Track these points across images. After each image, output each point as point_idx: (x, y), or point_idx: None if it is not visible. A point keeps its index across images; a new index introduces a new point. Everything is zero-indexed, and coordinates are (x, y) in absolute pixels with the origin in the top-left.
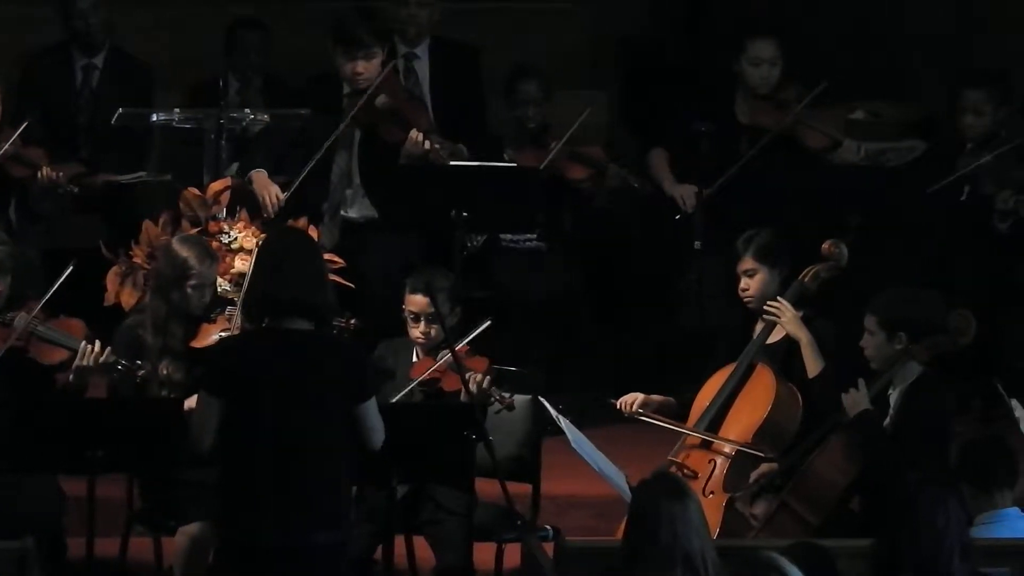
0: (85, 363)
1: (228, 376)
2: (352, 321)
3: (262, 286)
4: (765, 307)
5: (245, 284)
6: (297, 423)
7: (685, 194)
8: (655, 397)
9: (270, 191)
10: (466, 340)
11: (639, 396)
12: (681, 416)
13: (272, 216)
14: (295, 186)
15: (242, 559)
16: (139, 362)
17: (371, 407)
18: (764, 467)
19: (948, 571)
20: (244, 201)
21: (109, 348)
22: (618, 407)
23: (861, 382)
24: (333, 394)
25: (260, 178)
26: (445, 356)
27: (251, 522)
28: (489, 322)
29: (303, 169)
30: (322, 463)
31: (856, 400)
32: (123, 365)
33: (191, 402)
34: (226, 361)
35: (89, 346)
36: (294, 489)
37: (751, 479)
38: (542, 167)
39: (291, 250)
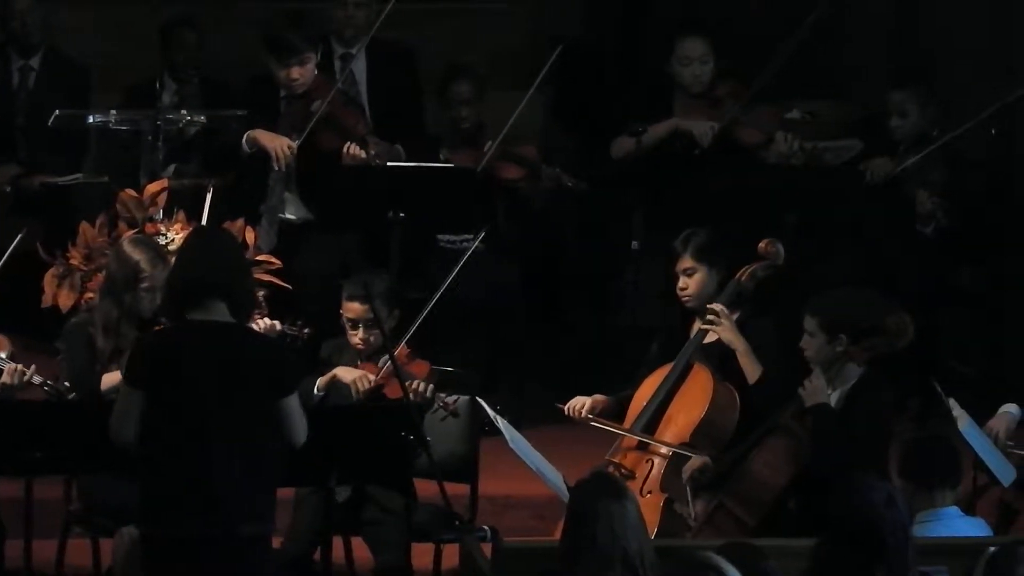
0: (9, 382)
1: (149, 369)
2: (305, 330)
3: (182, 274)
4: (707, 317)
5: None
6: (219, 416)
7: (701, 130)
8: (600, 398)
9: (279, 143)
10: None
11: (587, 400)
12: (619, 415)
13: (283, 169)
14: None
15: (167, 552)
16: (67, 384)
17: (293, 402)
18: (696, 461)
19: (908, 571)
20: (181, 202)
21: (34, 367)
22: (566, 412)
23: (818, 369)
24: (254, 387)
25: (264, 134)
26: (386, 362)
27: (174, 515)
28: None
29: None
30: (245, 455)
31: (815, 390)
32: (49, 386)
33: (110, 379)
34: (147, 354)
35: (14, 365)
36: (217, 481)
37: (684, 476)
38: (479, 168)
39: (212, 241)
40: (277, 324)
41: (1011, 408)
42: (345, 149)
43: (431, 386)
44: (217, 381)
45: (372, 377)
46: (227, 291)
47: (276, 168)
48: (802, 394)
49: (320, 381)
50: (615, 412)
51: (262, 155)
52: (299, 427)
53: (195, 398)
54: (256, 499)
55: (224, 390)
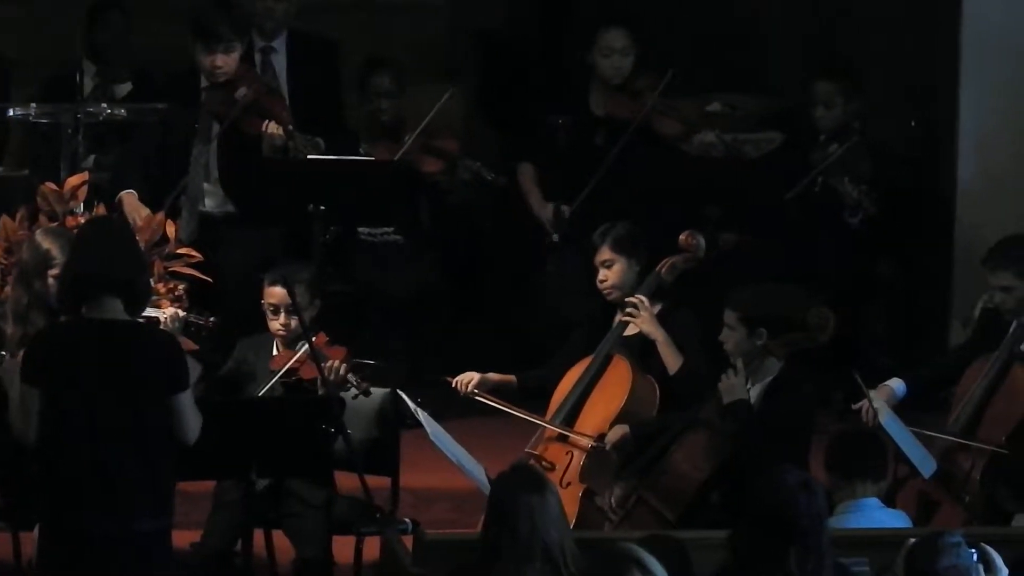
0: None
1: (44, 366)
2: (212, 320)
3: (75, 267)
4: (627, 305)
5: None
6: (113, 411)
7: (548, 216)
8: (492, 376)
9: (140, 214)
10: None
11: (475, 376)
12: (522, 396)
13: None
14: (181, 187)
15: (66, 548)
16: None
17: (186, 399)
18: (617, 431)
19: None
20: (102, 196)
21: None
22: (453, 386)
23: (739, 364)
24: (148, 382)
25: (130, 200)
26: (304, 347)
27: (72, 511)
28: None
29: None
30: (141, 450)
31: (733, 386)
32: None
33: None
34: (42, 351)
35: None
36: (114, 477)
37: (607, 445)
38: (396, 159)
39: (105, 232)
40: (181, 312)
41: (894, 383)
42: (264, 126)
43: (345, 365)
44: (110, 379)
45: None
46: (121, 287)
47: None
48: (721, 389)
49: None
50: (515, 392)
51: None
52: (191, 424)
53: (89, 396)
54: (153, 494)
55: (118, 387)
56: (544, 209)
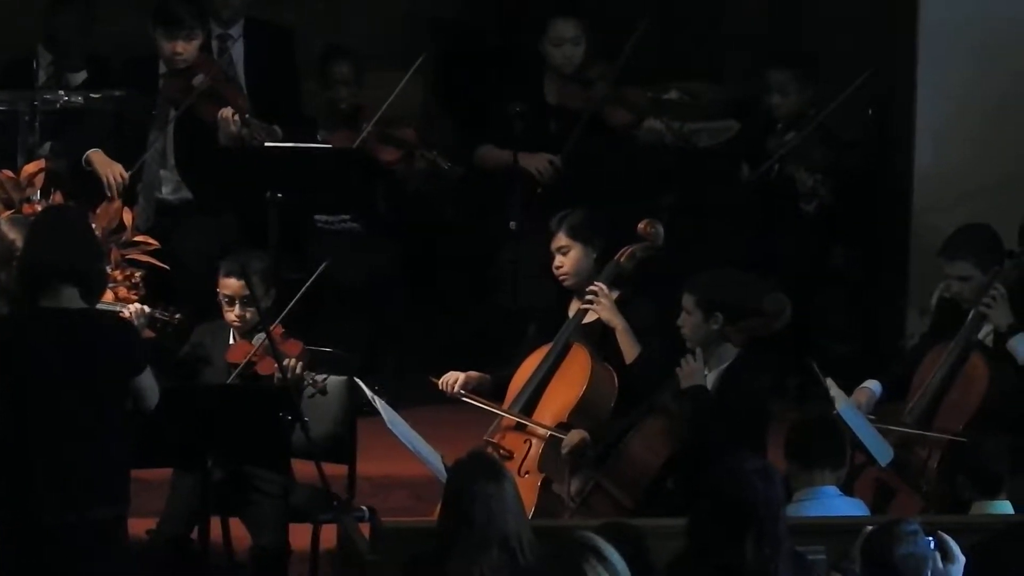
0: None
1: (0, 357)
2: (177, 316)
3: (30, 257)
4: (586, 292)
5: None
6: (70, 401)
7: (540, 165)
8: (474, 375)
9: (112, 170)
10: None
11: (460, 376)
12: (497, 395)
13: (115, 197)
14: (138, 166)
15: (24, 539)
16: None
17: (145, 376)
18: (575, 435)
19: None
20: (59, 183)
21: None
22: (440, 387)
23: (699, 351)
24: (106, 372)
25: (99, 158)
26: (261, 339)
27: (29, 501)
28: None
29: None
30: (97, 440)
31: (691, 371)
32: None
33: None
34: None
35: None
36: (70, 467)
37: (564, 451)
38: (354, 147)
39: (60, 221)
40: (146, 308)
41: (871, 384)
42: (220, 114)
43: (301, 363)
44: (66, 369)
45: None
46: (77, 276)
47: (108, 194)
48: (678, 375)
49: None
50: (490, 391)
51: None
52: (152, 394)
53: (45, 385)
54: (109, 482)
55: (73, 378)
56: (532, 160)
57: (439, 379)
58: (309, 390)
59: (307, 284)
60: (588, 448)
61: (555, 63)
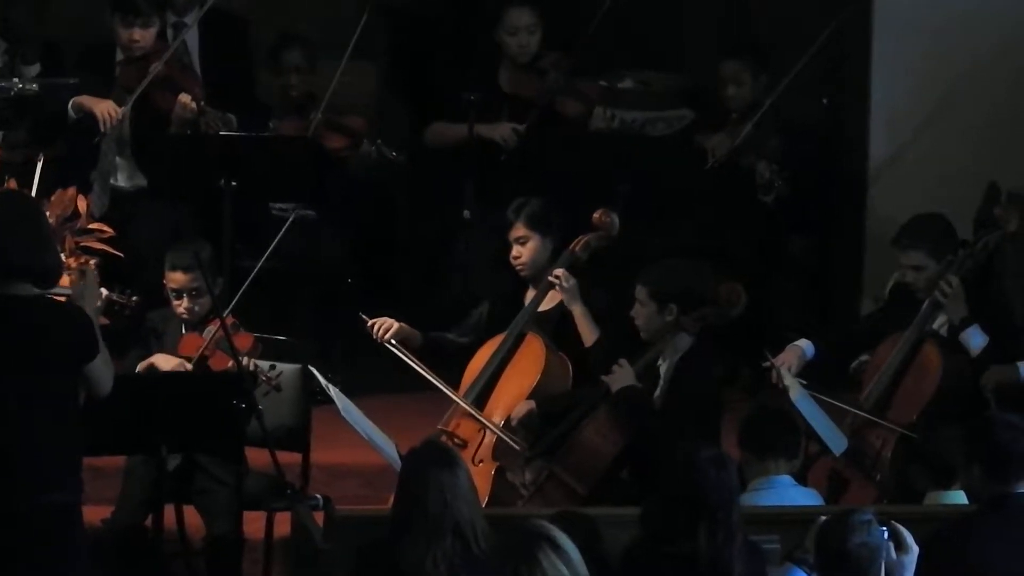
0: None
1: None
2: (135, 299)
3: None
4: (550, 275)
5: None
6: (21, 388)
7: (505, 134)
8: (405, 327)
9: (106, 106)
10: None
11: (393, 324)
12: (424, 356)
13: (107, 132)
14: (93, 154)
15: None
16: None
17: (98, 362)
18: (523, 406)
19: (734, 531)
20: (12, 171)
21: None
22: (369, 328)
23: (624, 361)
24: (58, 358)
25: (88, 99)
26: (212, 332)
27: None
28: None
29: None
30: (49, 426)
31: (620, 378)
32: None
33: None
34: None
35: None
36: (23, 452)
37: (513, 421)
38: (308, 136)
39: (13, 214)
40: (103, 291)
41: (802, 342)
42: (179, 99)
43: (253, 360)
44: (17, 356)
45: (188, 365)
46: (28, 270)
47: (102, 130)
48: (607, 381)
49: (140, 366)
50: (418, 349)
51: (89, 120)
52: (106, 381)
53: None
54: (62, 469)
55: (25, 365)
56: (495, 129)
57: (371, 320)
58: (263, 387)
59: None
60: (535, 418)
61: (510, 52)
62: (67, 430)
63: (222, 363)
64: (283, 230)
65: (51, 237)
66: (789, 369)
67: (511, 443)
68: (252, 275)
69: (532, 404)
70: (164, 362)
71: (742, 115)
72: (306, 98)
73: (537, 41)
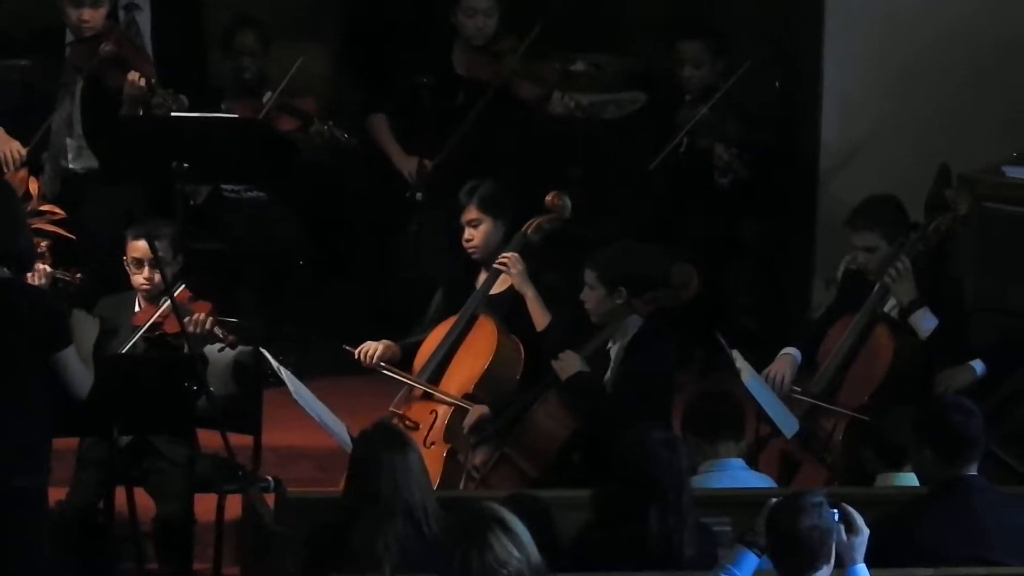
0: None
1: None
2: (79, 275)
3: None
4: (498, 259)
5: None
6: None
7: (411, 168)
8: (391, 345)
9: (10, 147)
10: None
11: (378, 347)
12: (407, 364)
13: (12, 171)
14: (42, 134)
15: None
16: None
17: (70, 355)
18: (475, 412)
19: (685, 514)
20: None
21: None
22: (356, 356)
23: (568, 352)
24: (26, 341)
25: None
26: (166, 301)
27: None
28: None
29: (43, 124)
30: (17, 408)
31: (567, 365)
32: None
33: None
34: None
35: None
36: None
37: (465, 428)
38: (260, 118)
39: None
40: (48, 269)
41: (791, 351)
42: (128, 78)
43: (211, 319)
44: None
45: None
46: (11, 256)
47: (4, 171)
48: (555, 369)
49: None
50: (401, 361)
51: None
52: (80, 380)
53: None
54: (30, 451)
55: None
56: (407, 162)
57: (355, 349)
58: (219, 345)
59: None
60: (488, 423)
61: (467, 34)
62: (35, 413)
63: (175, 326)
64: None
65: (24, 220)
66: (783, 379)
67: (469, 407)
68: None
69: (484, 409)
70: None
71: (697, 97)
72: (259, 80)
73: (494, 24)
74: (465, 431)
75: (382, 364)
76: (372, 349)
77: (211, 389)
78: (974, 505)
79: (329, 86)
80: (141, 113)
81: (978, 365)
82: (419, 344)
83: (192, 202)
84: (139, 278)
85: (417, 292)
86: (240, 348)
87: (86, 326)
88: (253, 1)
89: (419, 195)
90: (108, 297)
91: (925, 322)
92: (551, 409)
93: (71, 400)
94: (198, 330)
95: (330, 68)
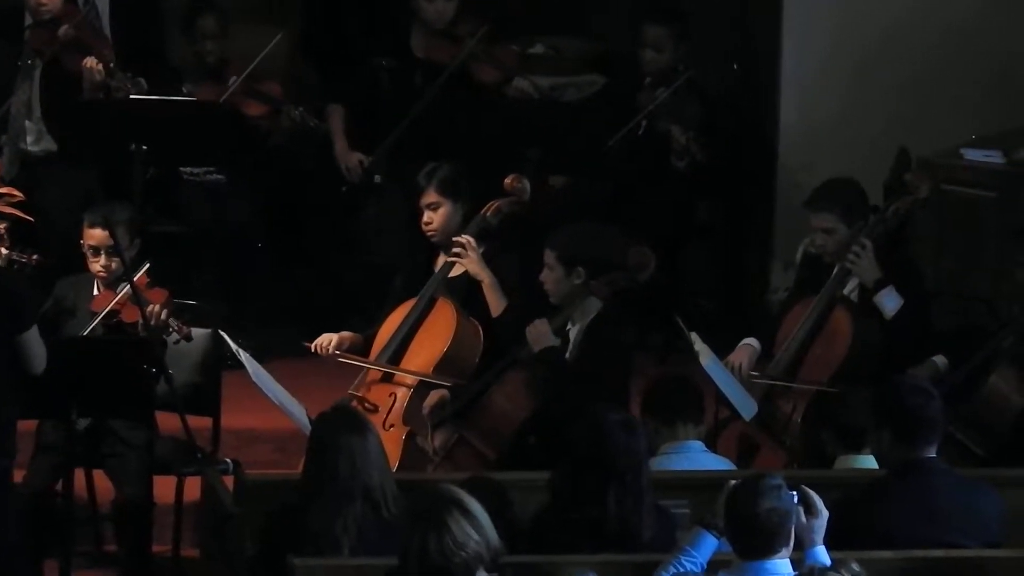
0: None
1: None
2: (35, 257)
3: None
4: (453, 246)
5: None
6: None
7: (351, 164)
8: (347, 335)
9: None
10: None
11: (333, 337)
12: (368, 352)
13: None
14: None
15: None
16: None
17: (32, 336)
18: (434, 395)
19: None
20: None
21: None
22: (314, 350)
23: (543, 320)
24: None
25: None
26: (125, 288)
27: None
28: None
29: (2, 107)
30: None
31: (540, 334)
32: None
33: None
34: None
35: None
36: None
37: (424, 411)
38: (221, 101)
39: None
40: (3, 250)
41: (751, 341)
42: (85, 63)
43: (166, 310)
44: None
45: None
46: None
47: None
48: (529, 338)
49: None
50: (362, 349)
51: None
52: (39, 357)
53: None
54: None
55: None
56: (347, 156)
57: (312, 343)
58: (174, 336)
59: None
60: (447, 405)
61: (427, 17)
62: (2, 393)
63: (133, 315)
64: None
65: None
66: (741, 366)
67: (437, 383)
68: None
69: (444, 392)
70: None
71: (657, 80)
72: (220, 63)
73: (454, 8)
74: (424, 413)
75: (338, 352)
76: (327, 340)
77: (170, 371)
78: (933, 487)
79: (288, 69)
80: (101, 96)
81: (940, 360)
82: (375, 331)
83: (147, 175)
84: (96, 265)
85: (377, 275)
86: (196, 331)
87: None
88: None
89: (378, 178)
90: (66, 279)
91: (889, 301)
92: (508, 391)
93: (28, 382)
94: (154, 321)
95: (290, 51)
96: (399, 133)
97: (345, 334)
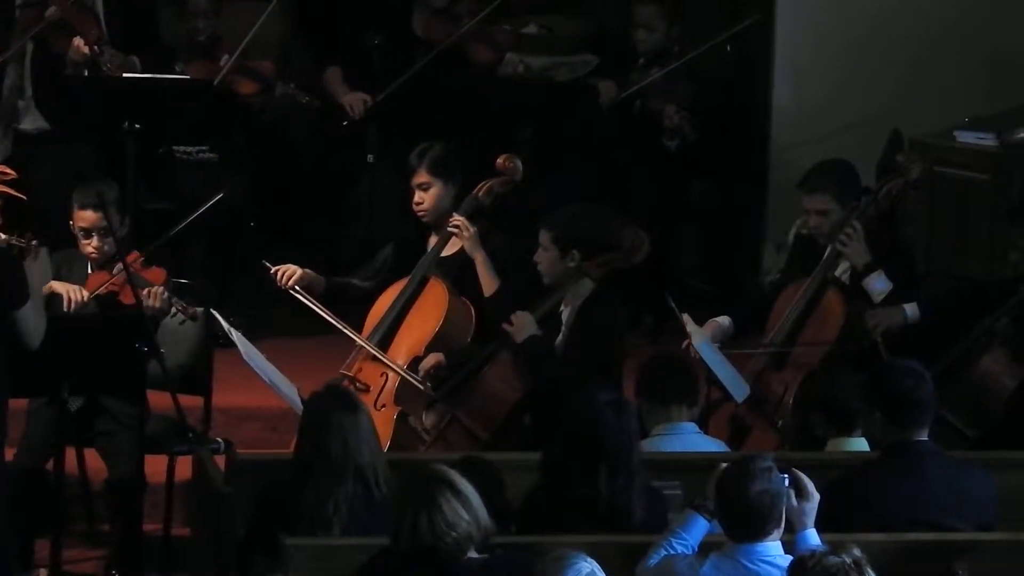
0: None
1: None
2: (33, 242)
3: None
4: (450, 223)
5: None
6: None
7: (354, 102)
8: (309, 272)
9: None
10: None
11: (297, 271)
12: (328, 301)
13: None
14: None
15: None
16: None
17: (27, 311)
18: (431, 358)
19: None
20: None
21: None
22: (272, 274)
23: (523, 312)
24: None
25: None
26: (119, 269)
27: None
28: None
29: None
30: None
31: (522, 325)
32: None
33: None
34: None
35: None
36: None
37: (421, 372)
38: (216, 81)
39: None
40: (2, 235)
41: (721, 319)
42: (72, 43)
43: (167, 292)
44: None
45: (85, 292)
46: None
47: None
48: (511, 332)
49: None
50: (322, 295)
51: None
52: (35, 332)
53: None
54: None
55: None
56: (350, 96)
57: (274, 267)
58: (179, 317)
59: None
60: (443, 370)
61: None
62: None
63: (131, 296)
64: None
65: None
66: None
67: (415, 383)
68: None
69: (440, 356)
70: (60, 285)
71: (650, 60)
72: (212, 41)
73: None
74: (420, 375)
75: (296, 288)
76: (290, 271)
77: (161, 350)
78: (924, 469)
79: (281, 47)
80: (86, 74)
81: (910, 309)
82: (346, 286)
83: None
84: (88, 247)
85: (367, 253)
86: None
87: (41, 269)
88: None
89: (371, 157)
90: (60, 253)
91: (878, 285)
92: (501, 372)
93: (19, 360)
94: (156, 303)
95: (283, 28)
96: (394, 88)
97: (308, 272)
